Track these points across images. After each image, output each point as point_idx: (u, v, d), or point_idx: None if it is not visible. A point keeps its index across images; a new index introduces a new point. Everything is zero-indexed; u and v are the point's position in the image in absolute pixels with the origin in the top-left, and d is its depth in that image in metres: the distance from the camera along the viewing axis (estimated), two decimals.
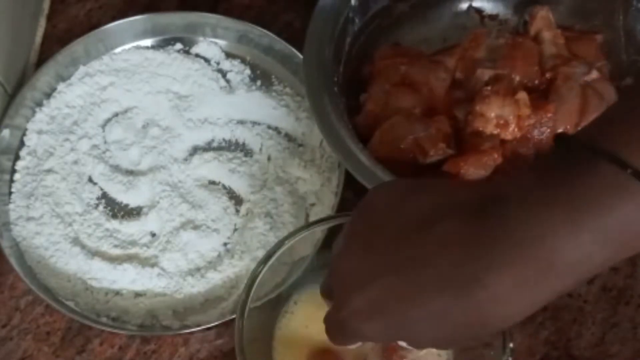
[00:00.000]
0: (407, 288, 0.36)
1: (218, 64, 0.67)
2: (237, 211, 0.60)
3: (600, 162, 0.31)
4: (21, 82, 0.66)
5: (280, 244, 0.50)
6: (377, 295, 0.37)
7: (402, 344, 0.39)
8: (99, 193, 0.62)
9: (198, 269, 0.57)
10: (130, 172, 0.62)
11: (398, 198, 0.39)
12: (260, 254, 0.56)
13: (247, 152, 0.63)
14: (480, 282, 0.34)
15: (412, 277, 0.36)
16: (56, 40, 0.71)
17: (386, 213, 0.38)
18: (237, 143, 0.64)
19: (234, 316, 0.49)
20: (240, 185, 0.61)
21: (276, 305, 0.52)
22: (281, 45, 0.65)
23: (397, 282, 0.36)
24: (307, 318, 0.53)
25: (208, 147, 0.64)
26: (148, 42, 0.68)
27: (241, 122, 0.64)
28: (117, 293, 0.57)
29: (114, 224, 0.60)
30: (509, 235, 0.33)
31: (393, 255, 0.37)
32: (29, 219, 0.59)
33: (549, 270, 0.33)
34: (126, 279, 0.57)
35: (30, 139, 0.63)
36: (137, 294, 0.57)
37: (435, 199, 0.37)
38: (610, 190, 0.31)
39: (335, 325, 0.41)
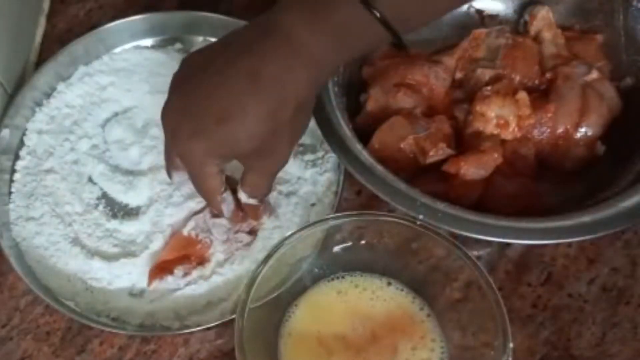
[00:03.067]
0: (215, 99, 0.46)
1: None
2: None
3: None
4: (21, 82, 0.66)
5: (280, 244, 0.50)
6: (199, 114, 0.47)
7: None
8: (99, 193, 0.61)
9: (199, 271, 0.57)
10: (130, 172, 0.62)
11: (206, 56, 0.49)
12: (261, 254, 0.56)
13: None
14: (255, 66, 0.45)
15: (215, 94, 0.46)
16: (56, 40, 0.71)
17: (196, 66, 0.48)
18: None
19: (234, 316, 0.49)
20: None
21: (276, 305, 0.52)
22: None
23: (206, 101, 0.46)
24: (311, 316, 0.53)
25: None
26: (148, 42, 0.68)
27: None
28: (117, 293, 0.57)
29: (114, 223, 0.60)
30: (277, 30, 0.45)
31: (206, 80, 0.47)
32: (29, 219, 0.59)
33: (299, 57, 0.45)
34: (126, 279, 0.57)
35: (30, 139, 0.63)
36: (137, 294, 0.57)
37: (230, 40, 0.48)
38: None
39: (168, 155, 0.52)
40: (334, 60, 0.48)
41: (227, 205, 0.53)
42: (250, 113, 0.46)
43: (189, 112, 0.47)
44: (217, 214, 0.55)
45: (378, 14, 0.43)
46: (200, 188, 0.51)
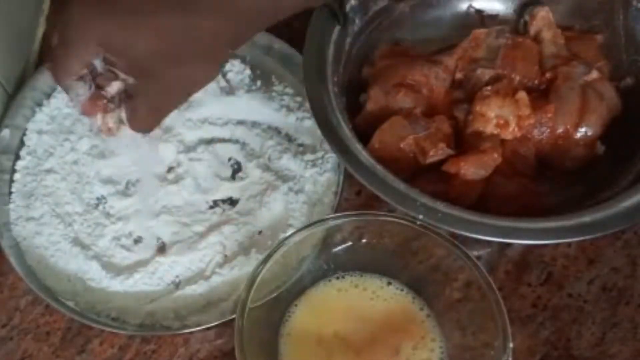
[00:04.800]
0: None
1: None
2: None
3: None
4: (21, 82, 0.66)
5: (280, 244, 0.50)
6: None
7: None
8: (99, 193, 0.61)
9: (199, 271, 0.57)
10: None
11: None
12: (261, 254, 0.56)
13: (247, 152, 0.63)
14: None
15: None
16: None
17: None
18: (237, 143, 0.63)
19: (234, 316, 0.49)
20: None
21: (276, 305, 0.52)
22: (281, 45, 0.65)
23: None
24: (311, 315, 0.53)
25: None
26: None
27: (241, 123, 0.64)
28: (117, 293, 0.57)
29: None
30: None
31: None
32: (29, 218, 0.59)
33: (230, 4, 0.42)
34: (127, 278, 0.57)
35: (30, 139, 0.63)
36: (137, 294, 0.57)
37: None
38: None
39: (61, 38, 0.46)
40: (262, 15, 0.46)
41: (79, 94, 0.51)
42: (159, 20, 0.44)
43: None
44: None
45: None
46: (59, 59, 0.48)
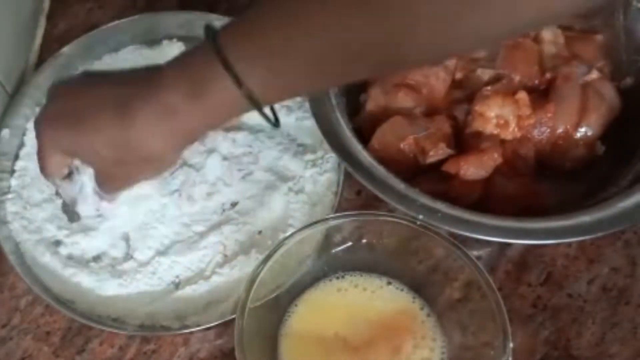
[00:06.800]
0: (81, 108, 0.49)
1: None
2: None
3: (215, 62, 0.43)
4: (21, 82, 0.66)
5: (280, 244, 0.50)
6: (62, 109, 0.50)
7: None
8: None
9: (199, 271, 0.57)
10: None
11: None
12: (261, 254, 0.56)
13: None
14: (127, 107, 0.47)
15: (84, 102, 0.49)
16: (56, 40, 0.71)
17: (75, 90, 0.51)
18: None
19: (234, 316, 0.49)
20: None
21: (276, 305, 0.52)
22: None
23: (74, 104, 0.50)
24: (311, 315, 0.53)
25: None
26: (148, 42, 0.68)
27: (241, 122, 0.64)
28: (117, 293, 0.57)
29: None
30: (157, 91, 0.47)
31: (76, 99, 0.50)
32: (29, 219, 0.59)
33: (170, 115, 0.46)
34: (126, 280, 0.57)
35: (30, 139, 0.63)
36: (137, 295, 0.57)
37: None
38: (212, 80, 0.44)
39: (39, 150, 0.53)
40: (199, 130, 0.49)
41: (65, 190, 0.55)
42: (101, 135, 0.48)
43: (60, 109, 0.51)
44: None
45: (251, 96, 0.44)
46: (40, 168, 0.54)
